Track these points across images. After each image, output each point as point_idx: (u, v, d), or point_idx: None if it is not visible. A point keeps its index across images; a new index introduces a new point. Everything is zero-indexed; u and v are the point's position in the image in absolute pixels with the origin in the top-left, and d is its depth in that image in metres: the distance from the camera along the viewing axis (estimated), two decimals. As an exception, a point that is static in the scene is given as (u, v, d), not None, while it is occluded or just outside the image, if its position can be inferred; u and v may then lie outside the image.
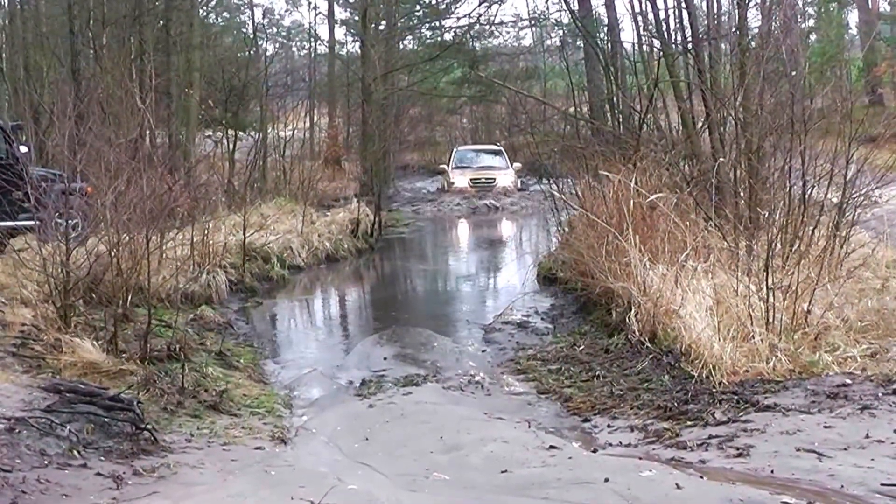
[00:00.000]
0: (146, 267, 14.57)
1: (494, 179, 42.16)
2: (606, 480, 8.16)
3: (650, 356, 12.84)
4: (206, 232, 19.73)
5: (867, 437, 9.12)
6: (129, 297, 14.25)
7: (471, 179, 42.25)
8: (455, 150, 46.38)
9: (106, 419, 9.48)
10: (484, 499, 8.31)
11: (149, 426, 9.68)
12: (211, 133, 35.17)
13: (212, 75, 35.30)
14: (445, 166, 44.64)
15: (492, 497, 8.34)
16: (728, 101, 17.39)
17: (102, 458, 8.80)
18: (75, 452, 8.70)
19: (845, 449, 8.91)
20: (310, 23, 74.82)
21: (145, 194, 14.82)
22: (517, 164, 42.39)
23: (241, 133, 35.56)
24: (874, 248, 15.50)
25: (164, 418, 10.60)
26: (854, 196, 14.99)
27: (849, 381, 10.85)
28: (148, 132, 19.59)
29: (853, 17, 56.43)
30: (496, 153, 44.81)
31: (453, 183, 42.50)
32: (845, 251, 14.58)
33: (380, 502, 7.92)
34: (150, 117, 19.21)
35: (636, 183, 16.12)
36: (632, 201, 15.86)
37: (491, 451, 9.58)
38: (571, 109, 28.20)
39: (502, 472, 8.93)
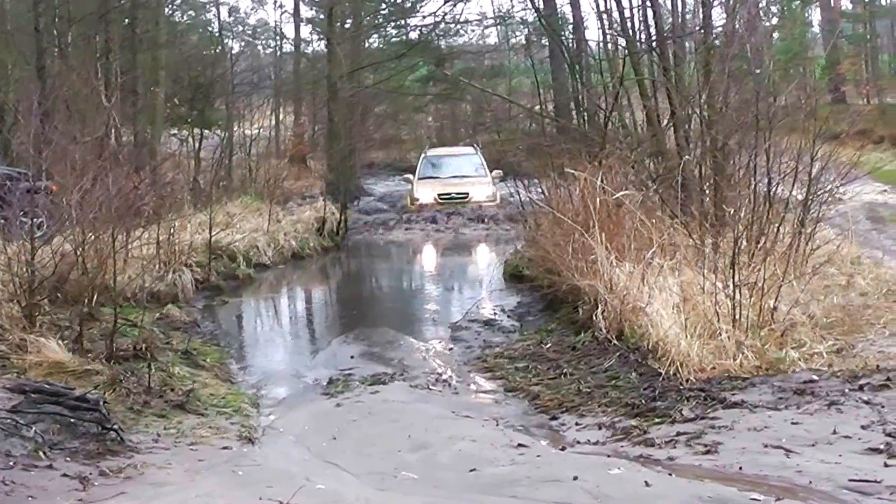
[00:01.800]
0: (112, 266, 14.48)
1: (467, 194, 33.96)
2: (575, 478, 8.17)
3: (617, 354, 12.85)
4: (172, 231, 19.68)
5: (834, 433, 9.17)
6: (95, 297, 14.19)
7: (439, 194, 34.15)
8: (423, 155, 37.78)
9: (72, 419, 9.44)
10: (453, 497, 8.31)
11: (115, 426, 9.64)
12: (177, 131, 35.09)
13: (178, 73, 35.21)
14: (412, 175, 36.53)
15: (461, 495, 8.34)
16: (693, 98, 17.45)
17: (68, 458, 8.76)
18: (41, 453, 8.65)
19: (813, 445, 8.95)
20: (275, 21, 74.93)
21: (111, 193, 14.77)
22: (497, 172, 33.52)
23: (206, 131, 35.47)
24: (839, 245, 15.60)
25: (130, 418, 10.56)
26: (819, 193, 15.08)
27: (815, 378, 10.90)
28: (114, 130, 19.54)
29: (816, 15, 56.80)
30: (471, 158, 36.39)
31: (417, 199, 34.31)
32: (811, 248, 14.68)
33: (348, 502, 7.93)
34: (115, 115, 19.17)
35: (602, 181, 16.15)
36: (598, 199, 15.89)
37: (459, 450, 9.58)
38: (537, 107, 28.23)
39: (471, 470, 8.93)
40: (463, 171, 35.59)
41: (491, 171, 34.41)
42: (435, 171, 36.01)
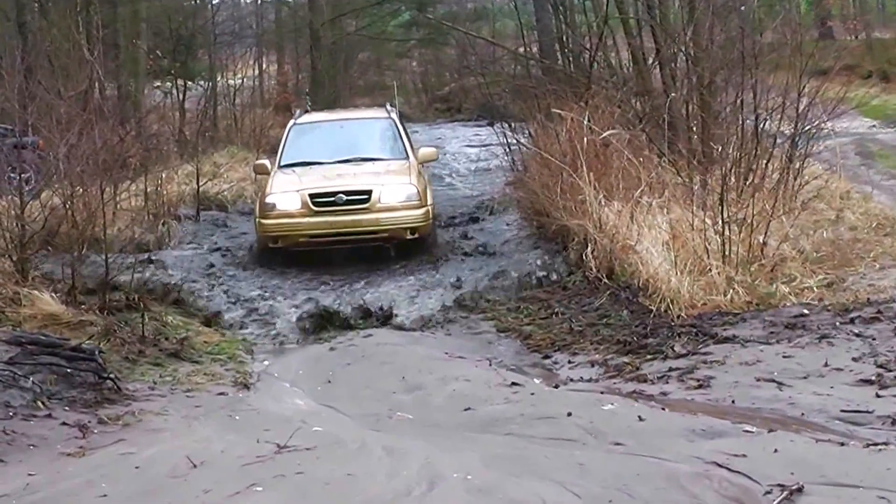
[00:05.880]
0: (101, 218, 14.49)
1: (370, 193, 16.33)
2: (569, 415, 8.25)
3: (608, 292, 12.89)
4: (159, 182, 19.62)
5: (826, 365, 9.27)
6: (85, 249, 14.20)
7: (311, 195, 16.33)
8: (292, 123, 19.65)
9: (68, 370, 9.51)
10: (448, 436, 8.37)
11: (111, 375, 9.72)
12: (160, 83, 34.93)
13: (159, 25, 34.97)
14: (268, 163, 18.49)
15: (456, 434, 8.41)
16: (678, 36, 17.41)
17: (67, 407, 8.84)
18: (39, 403, 8.73)
19: (805, 378, 9.05)
20: (256, -31, 74.25)
21: (97, 146, 14.74)
22: (429, 149, 19.07)
23: (190, 82, 35.30)
24: (827, 180, 15.63)
25: (126, 367, 10.63)
26: (806, 128, 15.08)
27: (806, 312, 11.00)
28: (97, 84, 19.46)
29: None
30: (382, 125, 19.30)
31: (273, 204, 16.53)
32: (799, 183, 14.71)
33: (345, 443, 7.99)
34: (98, 69, 19.06)
35: (589, 121, 16.12)
36: (585, 139, 15.87)
37: (453, 390, 9.65)
38: (521, 49, 28.09)
39: (465, 409, 9.01)
40: (365, 151, 18.39)
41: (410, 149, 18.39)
42: (312, 152, 18.27)
